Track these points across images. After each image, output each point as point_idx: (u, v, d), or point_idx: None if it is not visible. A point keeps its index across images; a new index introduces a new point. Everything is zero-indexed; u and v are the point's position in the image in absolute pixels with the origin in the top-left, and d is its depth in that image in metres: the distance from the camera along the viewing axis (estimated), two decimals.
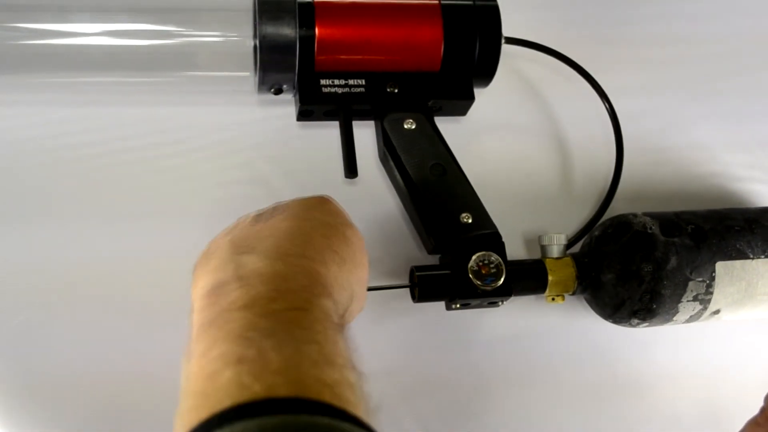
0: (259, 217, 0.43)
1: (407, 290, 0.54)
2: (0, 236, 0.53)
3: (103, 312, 0.53)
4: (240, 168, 0.58)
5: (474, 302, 0.52)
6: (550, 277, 0.54)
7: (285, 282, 0.36)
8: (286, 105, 0.57)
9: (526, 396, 0.58)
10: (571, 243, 0.59)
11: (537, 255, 0.57)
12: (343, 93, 0.53)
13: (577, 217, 0.63)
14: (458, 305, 0.53)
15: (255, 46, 0.51)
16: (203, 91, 0.59)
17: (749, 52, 0.72)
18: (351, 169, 0.52)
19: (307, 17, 0.51)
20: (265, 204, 0.57)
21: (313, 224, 0.42)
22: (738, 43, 0.71)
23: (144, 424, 0.51)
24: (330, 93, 0.53)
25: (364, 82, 0.53)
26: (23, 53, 0.51)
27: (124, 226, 0.55)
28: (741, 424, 0.53)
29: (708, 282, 0.54)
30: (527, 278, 0.55)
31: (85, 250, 0.54)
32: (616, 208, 0.61)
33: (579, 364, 0.60)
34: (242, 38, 0.52)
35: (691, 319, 0.56)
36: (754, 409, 0.53)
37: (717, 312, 0.56)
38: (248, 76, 0.54)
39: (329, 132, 0.58)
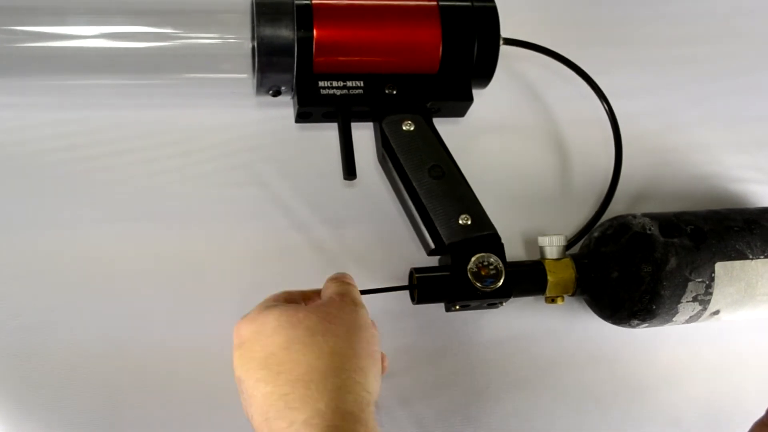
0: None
1: (407, 292, 0.54)
2: None
3: (102, 313, 0.53)
4: (238, 170, 0.58)
5: (473, 304, 0.52)
6: (549, 279, 0.54)
7: None
8: (285, 107, 0.57)
9: (526, 397, 0.58)
10: (570, 244, 0.59)
11: (536, 256, 0.57)
12: (341, 95, 0.53)
13: (576, 219, 0.63)
14: (458, 307, 0.53)
15: (253, 48, 0.51)
16: (201, 93, 0.59)
17: (748, 53, 0.72)
18: (350, 171, 0.52)
19: (305, 19, 0.51)
20: (264, 204, 0.57)
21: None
22: (737, 45, 0.72)
23: (144, 423, 0.52)
24: (328, 95, 0.53)
25: (362, 84, 0.53)
26: (22, 56, 0.51)
27: (123, 227, 0.55)
28: (741, 425, 0.53)
29: (707, 282, 0.54)
30: (527, 280, 0.55)
31: (84, 251, 0.54)
32: (615, 210, 0.61)
33: (579, 365, 0.60)
34: (240, 40, 0.52)
35: (691, 319, 0.56)
36: (754, 409, 0.53)
37: (716, 312, 0.56)
38: (246, 78, 0.54)
39: (328, 134, 0.58)
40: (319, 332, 0.42)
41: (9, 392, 0.51)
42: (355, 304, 0.45)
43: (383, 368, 0.47)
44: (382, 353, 0.47)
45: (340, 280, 0.48)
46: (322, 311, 0.44)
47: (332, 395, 0.39)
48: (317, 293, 0.49)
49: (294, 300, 0.47)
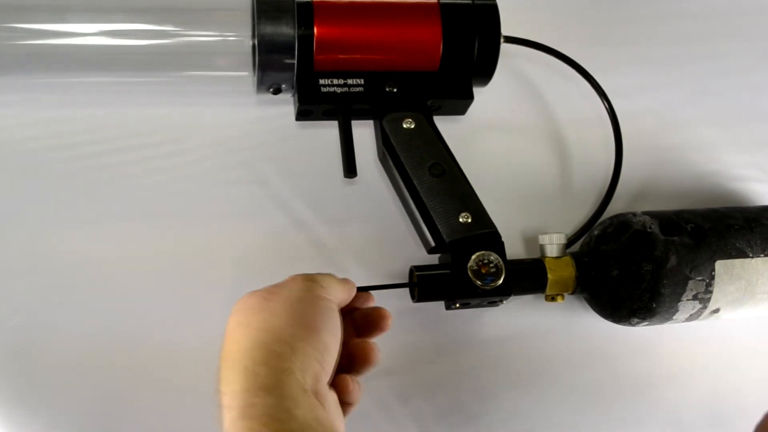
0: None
1: (407, 290, 0.54)
2: None
3: (102, 311, 0.53)
4: (238, 168, 0.58)
5: (474, 302, 0.52)
6: (549, 277, 0.54)
7: None
8: (285, 105, 0.57)
9: (526, 396, 0.58)
10: (570, 242, 0.59)
11: (536, 254, 0.57)
12: (342, 92, 0.53)
13: (576, 217, 0.63)
14: (458, 305, 0.53)
15: (253, 46, 0.51)
16: (202, 91, 0.59)
17: (749, 51, 0.72)
18: (350, 168, 0.52)
19: (305, 17, 0.51)
20: (264, 202, 0.57)
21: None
22: (737, 43, 0.72)
23: (145, 421, 0.52)
24: (329, 93, 0.53)
25: (362, 82, 0.53)
26: (22, 53, 0.51)
27: (122, 226, 0.55)
28: (741, 423, 0.53)
29: (707, 281, 0.53)
30: (527, 278, 0.55)
31: (84, 250, 0.54)
32: (615, 208, 0.61)
33: (579, 364, 0.60)
34: (241, 38, 0.52)
35: (691, 318, 0.56)
36: (755, 407, 0.53)
37: (716, 311, 0.56)
38: (247, 76, 0.54)
39: (328, 132, 0.58)
40: (255, 311, 0.42)
41: (8, 390, 0.51)
42: (308, 280, 0.45)
43: (370, 360, 0.47)
44: (371, 343, 0.47)
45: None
46: (267, 290, 0.44)
47: (246, 373, 0.39)
48: None
49: None
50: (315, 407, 0.39)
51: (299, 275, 0.46)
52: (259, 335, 0.41)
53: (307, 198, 0.58)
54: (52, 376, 0.51)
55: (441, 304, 0.54)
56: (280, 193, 0.58)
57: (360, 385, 0.46)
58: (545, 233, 0.56)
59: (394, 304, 0.51)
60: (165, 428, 0.52)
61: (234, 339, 0.41)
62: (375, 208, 0.59)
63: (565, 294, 0.56)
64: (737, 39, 0.72)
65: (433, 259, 0.55)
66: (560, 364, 0.60)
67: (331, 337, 0.43)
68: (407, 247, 0.58)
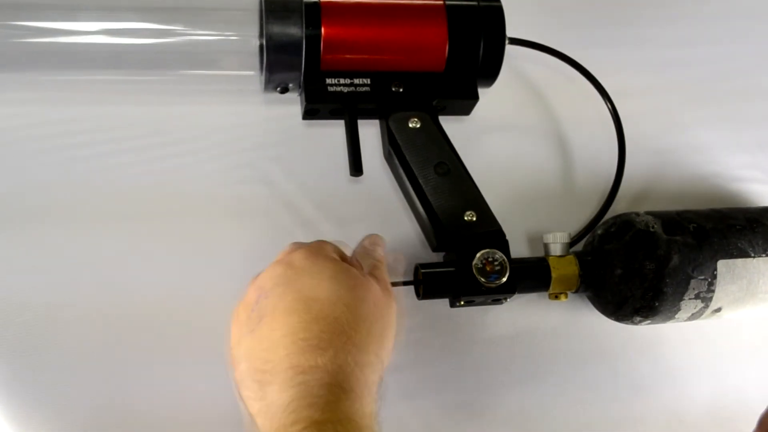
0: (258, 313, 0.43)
1: (411, 289, 0.54)
2: (3, 236, 0.53)
3: (108, 309, 0.53)
4: (244, 167, 0.58)
5: (478, 299, 0.53)
6: (553, 275, 0.55)
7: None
8: (291, 104, 0.57)
9: (530, 394, 0.59)
10: (574, 241, 0.59)
11: (540, 253, 0.58)
12: (348, 92, 0.53)
13: (579, 217, 0.63)
14: (462, 302, 0.53)
15: (261, 46, 0.52)
16: (209, 90, 0.59)
17: (750, 54, 0.72)
18: (356, 167, 0.52)
19: (313, 17, 0.52)
20: (270, 201, 0.58)
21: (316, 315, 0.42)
22: (739, 46, 0.72)
23: (153, 420, 0.52)
24: (335, 92, 0.53)
25: (369, 82, 0.54)
26: (30, 51, 0.51)
27: (127, 225, 0.55)
28: (742, 422, 0.53)
29: (710, 280, 0.54)
30: (531, 276, 0.55)
31: (88, 249, 0.54)
32: (617, 209, 0.62)
33: (581, 362, 0.60)
34: (248, 37, 0.52)
35: (693, 316, 0.56)
36: (756, 406, 0.54)
37: (718, 310, 0.56)
38: (253, 75, 0.54)
39: (333, 132, 0.58)
40: (359, 302, 0.43)
41: (16, 386, 0.51)
42: (389, 293, 0.47)
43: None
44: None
45: (377, 260, 0.49)
46: (367, 284, 0.45)
47: (337, 354, 0.40)
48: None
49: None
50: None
51: (382, 282, 0.47)
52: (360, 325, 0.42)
53: (313, 197, 0.58)
54: (59, 373, 0.51)
55: (445, 302, 0.55)
56: (287, 192, 0.59)
57: None
58: (549, 232, 0.57)
59: (399, 302, 0.52)
60: (174, 425, 0.52)
61: (339, 314, 0.42)
62: (380, 208, 0.59)
63: (569, 293, 0.57)
64: (739, 41, 0.72)
65: (438, 257, 0.55)
66: (563, 362, 0.60)
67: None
68: (412, 246, 0.58)
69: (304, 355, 0.40)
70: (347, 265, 0.45)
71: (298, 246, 0.47)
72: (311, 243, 0.47)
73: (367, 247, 0.51)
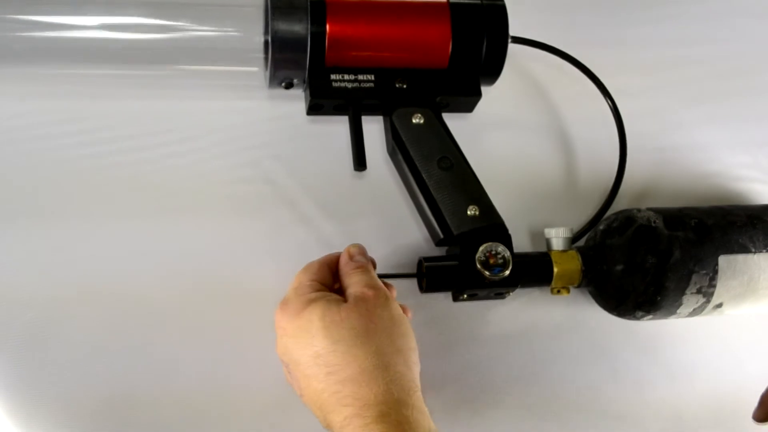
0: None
1: (414, 284, 0.54)
2: (6, 234, 0.53)
3: (113, 308, 0.53)
4: (248, 164, 0.58)
5: (481, 293, 0.53)
6: (555, 270, 0.55)
7: None
8: (295, 101, 0.58)
9: (531, 390, 0.59)
10: (576, 237, 0.60)
11: (542, 249, 0.58)
12: (352, 88, 0.54)
13: (581, 214, 0.63)
14: (465, 296, 0.53)
15: (266, 42, 0.52)
16: (213, 86, 0.59)
17: (751, 54, 0.73)
18: (360, 161, 0.53)
19: (318, 14, 0.52)
20: (273, 197, 0.58)
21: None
22: (740, 45, 0.73)
23: (158, 420, 0.52)
24: (340, 88, 0.54)
25: (373, 78, 0.54)
26: (33, 46, 0.51)
27: (131, 223, 0.55)
28: (743, 419, 0.53)
29: (711, 275, 0.54)
30: (533, 270, 0.55)
31: (92, 247, 0.54)
32: (619, 207, 0.62)
33: (583, 358, 0.60)
34: (254, 34, 0.53)
35: (695, 312, 0.56)
36: (756, 403, 0.54)
37: (720, 305, 0.56)
38: (258, 71, 0.54)
39: (336, 128, 0.59)
40: (362, 332, 0.44)
41: (21, 385, 0.51)
42: (387, 299, 0.47)
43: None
44: (403, 306, 0.50)
45: (364, 269, 0.49)
46: (362, 308, 0.45)
47: (381, 389, 0.42)
48: (336, 258, 0.50)
49: (326, 282, 0.49)
50: (429, 419, 0.43)
51: (373, 289, 0.47)
52: (381, 359, 0.43)
53: (316, 193, 0.58)
54: (64, 371, 0.51)
55: (448, 300, 0.55)
56: (289, 188, 0.59)
57: None
58: (551, 227, 0.57)
59: (401, 299, 0.52)
60: (179, 425, 0.52)
61: (349, 357, 0.43)
62: (384, 201, 0.59)
63: (571, 287, 0.57)
64: (739, 41, 0.73)
65: (441, 251, 0.56)
66: (565, 358, 0.60)
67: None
68: (415, 241, 0.58)
69: (334, 415, 0.43)
70: (329, 301, 0.46)
71: (282, 309, 0.47)
72: (289, 302, 0.47)
73: (358, 265, 0.50)
